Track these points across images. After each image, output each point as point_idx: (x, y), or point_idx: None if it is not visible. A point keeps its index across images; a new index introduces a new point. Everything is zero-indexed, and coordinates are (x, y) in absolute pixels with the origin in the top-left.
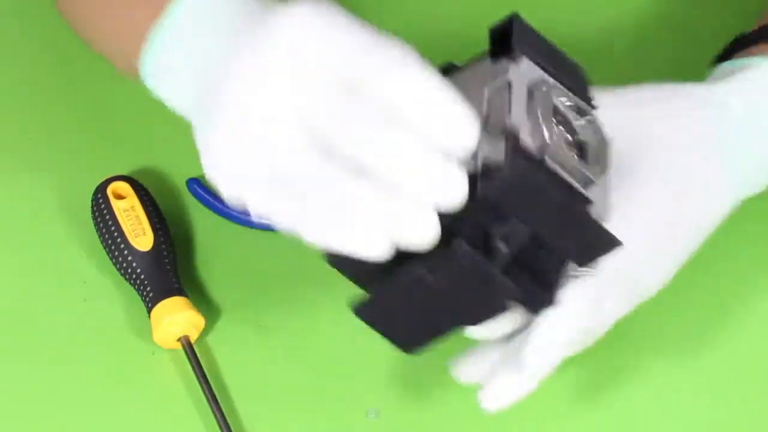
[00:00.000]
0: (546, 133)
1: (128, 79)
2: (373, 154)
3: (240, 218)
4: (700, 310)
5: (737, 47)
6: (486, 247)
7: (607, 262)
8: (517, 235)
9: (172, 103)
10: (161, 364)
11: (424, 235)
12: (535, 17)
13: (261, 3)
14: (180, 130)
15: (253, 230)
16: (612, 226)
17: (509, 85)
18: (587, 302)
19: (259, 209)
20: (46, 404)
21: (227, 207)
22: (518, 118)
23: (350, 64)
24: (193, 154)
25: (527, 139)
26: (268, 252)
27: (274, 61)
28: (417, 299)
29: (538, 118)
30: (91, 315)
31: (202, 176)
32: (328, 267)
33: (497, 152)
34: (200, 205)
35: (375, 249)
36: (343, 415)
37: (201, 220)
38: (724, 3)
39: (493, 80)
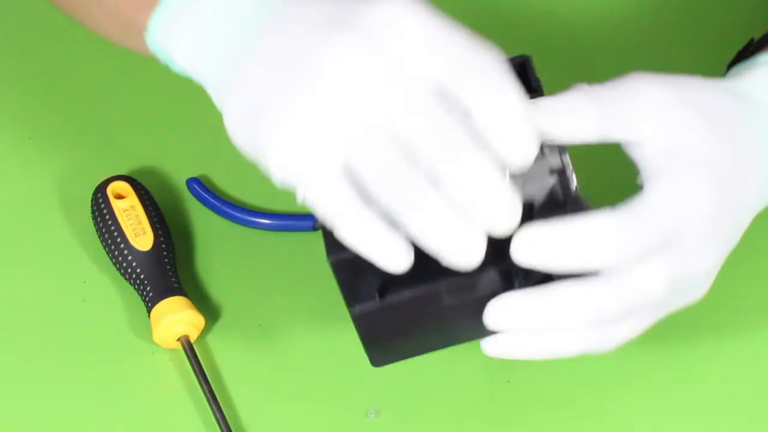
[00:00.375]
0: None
1: (128, 49)
2: (451, 168)
3: (240, 218)
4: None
5: (749, 50)
6: (505, 282)
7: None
8: (532, 277)
9: (184, 65)
10: (161, 363)
11: (472, 256)
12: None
13: None
14: (180, 130)
15: (253, 230)
16: (662, 216)
17: None
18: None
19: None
20: (46, 404)
21: (227, 207)
22: (564, 158)
23: (449, 70)
24: (193, 154)
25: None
26: (268, 252)
27: (369, 55)
28: (416, 315)
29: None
30: (91, 315)
31: (202, 176)
32: (329, 268)
33: (543, 186)
34: (200, 205)
35: (405, 260)
36: (343, 415)
37: (201, 220)
38: (723, 5)
39: None
